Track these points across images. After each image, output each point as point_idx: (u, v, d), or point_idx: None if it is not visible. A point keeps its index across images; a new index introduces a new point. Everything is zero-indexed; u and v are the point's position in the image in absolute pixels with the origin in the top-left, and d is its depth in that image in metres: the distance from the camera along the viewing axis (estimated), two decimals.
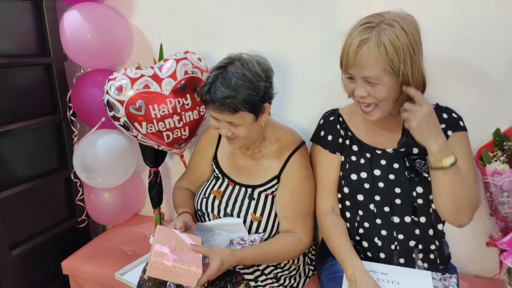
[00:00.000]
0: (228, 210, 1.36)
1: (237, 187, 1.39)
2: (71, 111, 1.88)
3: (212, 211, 1.39)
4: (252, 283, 1.30)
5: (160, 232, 1.20)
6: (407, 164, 1.23)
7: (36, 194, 1.80)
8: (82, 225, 2.01)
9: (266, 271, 1.35)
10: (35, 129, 1.77)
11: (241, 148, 1.36)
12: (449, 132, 1.22)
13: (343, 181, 1.30)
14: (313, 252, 1.53)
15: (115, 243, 1.84)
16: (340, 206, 1.32)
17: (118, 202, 1.93)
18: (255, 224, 1.33)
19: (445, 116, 1.24)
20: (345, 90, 1.22)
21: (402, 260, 1.24)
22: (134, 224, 2.02)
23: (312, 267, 1.50)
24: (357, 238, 1.29)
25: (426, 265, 1.25)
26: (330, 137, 1.34)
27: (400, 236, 1.23)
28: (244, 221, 1.33)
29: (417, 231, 1.23)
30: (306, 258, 1.47)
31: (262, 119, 1.29)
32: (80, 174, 1.76)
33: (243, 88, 1.19)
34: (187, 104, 1.50)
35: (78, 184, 1.94)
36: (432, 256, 1.25)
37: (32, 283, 1.80)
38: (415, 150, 1.23)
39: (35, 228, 1.81)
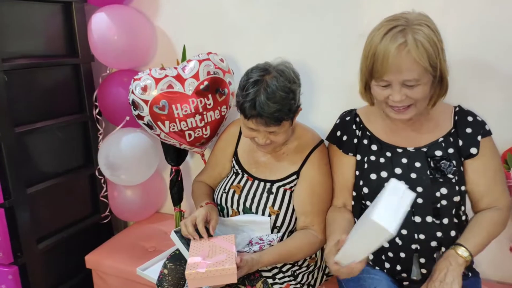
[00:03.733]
0: (247, 204, 1.38)
1: (256, 181, 1.41)
2: (97, 110, 1.91)
3: (232, 206, 1.41)
4: (270, 280, 1.31)
5: (192, 245, 1.24)
6: (432, 164, 1.21)
7: (62, 190, 1.83)
8: (105, 221, 2.05)
9: (284, 269, 1.35)
10: (63, 127, 1.80)
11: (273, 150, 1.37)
12: (479, 137, 1.20)
13: (361, 181, 1.29)
14: None
15: (137, 240, 1.87)
16: (360, 205, 1.31)
17: (140, 199, 1.96)
18: (273, 218, 1.35)
19: (470, 119, 1.23)
20: (376, 98, 1.19)
21: (422, 260, 1.21)
22: (155, 221, 2.05)
23: None
24: None
25: None
26: (345, 137, 1.34)
27: (422, 237, 1.21)
28: (263, 215, 1.35)
29: (439, 233, 1.20)
30: (324, 254, 1.46)
31: (294, 121, 1.30)
32: (105, 171, 1.80)
33: (288, 99, 1.21)
34: (209, 104, 1.53)
35: (102, 181, 1.98)
36: None
37: (57, 275, 1.85)
38: (438, 152, 1.22)
39: (60, 222, 1.85)
